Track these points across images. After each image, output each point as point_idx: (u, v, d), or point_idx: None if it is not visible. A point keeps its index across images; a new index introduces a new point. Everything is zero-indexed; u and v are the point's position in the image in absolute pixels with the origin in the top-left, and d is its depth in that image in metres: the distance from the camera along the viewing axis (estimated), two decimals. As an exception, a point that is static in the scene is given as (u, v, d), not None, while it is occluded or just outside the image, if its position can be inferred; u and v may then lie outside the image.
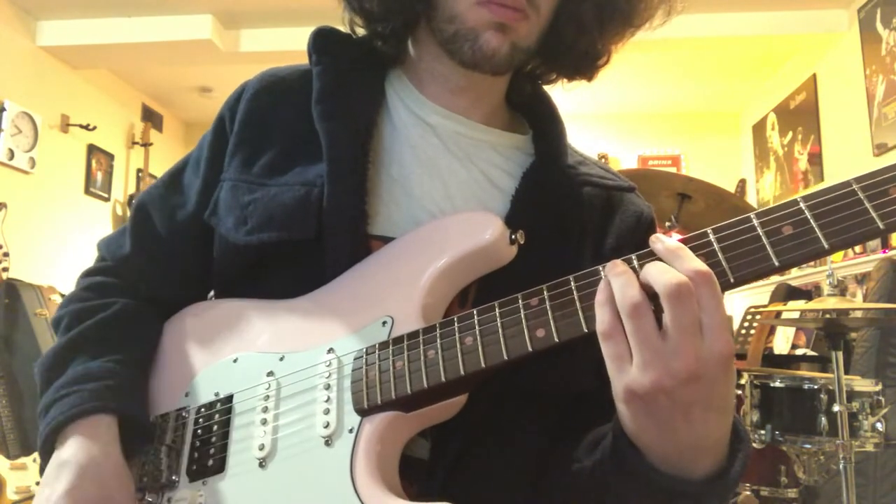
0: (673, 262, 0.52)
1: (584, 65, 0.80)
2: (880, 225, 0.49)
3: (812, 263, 4.06)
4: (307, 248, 0.70)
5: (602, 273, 0.55)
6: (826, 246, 0.51)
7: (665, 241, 0.53)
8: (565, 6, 0.74)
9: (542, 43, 0.75)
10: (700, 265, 0.51)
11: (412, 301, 0.65)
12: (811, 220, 0.51)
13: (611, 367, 0.53)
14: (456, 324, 0.60)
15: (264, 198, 0.72)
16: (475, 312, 0.60)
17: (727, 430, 0.56)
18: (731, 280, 0.52)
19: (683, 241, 0.54)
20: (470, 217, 0.68)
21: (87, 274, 0.85)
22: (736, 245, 0.53)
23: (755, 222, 0.53)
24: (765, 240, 0.52)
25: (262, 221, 0.71)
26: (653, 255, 0.54)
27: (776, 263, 0.52)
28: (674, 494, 0.56)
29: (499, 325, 0.58)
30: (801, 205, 0.52)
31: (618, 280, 0.52)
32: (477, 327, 0.59)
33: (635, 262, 0.55)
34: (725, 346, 0.50)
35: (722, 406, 0.53)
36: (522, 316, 0.58)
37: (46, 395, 0.73)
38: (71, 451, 0.67)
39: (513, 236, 0.67)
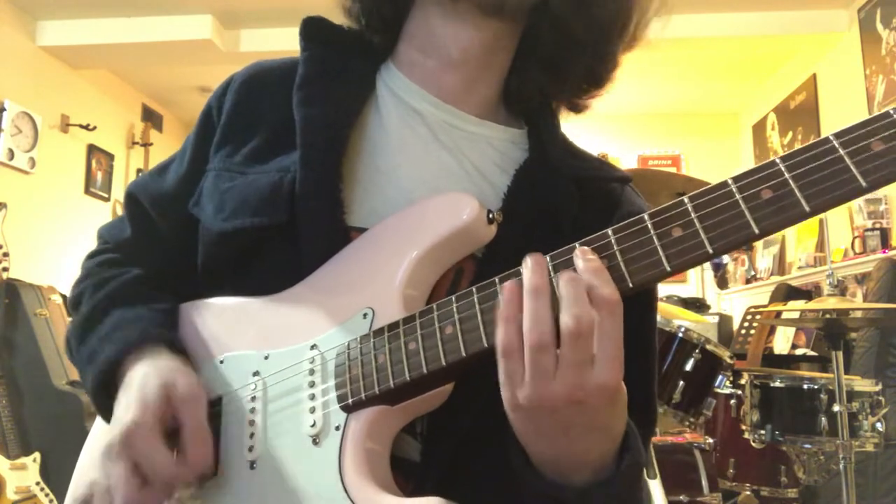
0: (591, 281, 0.51)
1: (593, 65, 0.77)
2: (863, 183, 0.46)
3: (812, 263, 4.06)
4: (284, 237, 0.69)
5: (533, 264, 0.54)
6: (808, 209, 0.48)
7: (588, 259, 0.53)
8: None
9: (545, 40, 0.74)
10: (611, 294, 0.51)
11: (392, 290, 0.63)
12: (791, 182, 0.48)
13: (503, 381, 0.53)
14: (435, 311, 0.59)
15: (242, 184, 0.72)
16: (454, 299, 0.59)
17: (611, 448, 0.57)
18: (710, 251, 0.50)
19: (658, 212, 0.53)
20: (445, 199, 0.66)
21: (92, 255, 0.86)
22: (713, 213, 0.50)
23: (732, 187, 0.50)
24: (743, 205, 0.50)
25: (237, 207, 0.71)
26: (605, 239, 0.53)
27: (756, 231, 0.49)
28: (550, 499, 0.58)
29: (477, 310, 0.57)
30: (780, 165, 0.49)
31: (533, 303, 0.52)
32: (456, 315, 0.58)
33: (575, 253, 0.54)
34: (612, 379, 0.51)
35: (604, 429, 0.55)
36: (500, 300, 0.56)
37: (85, 347, 0.73)
38: (142, 368, 0.67)
39: (490, 215, 0.65)
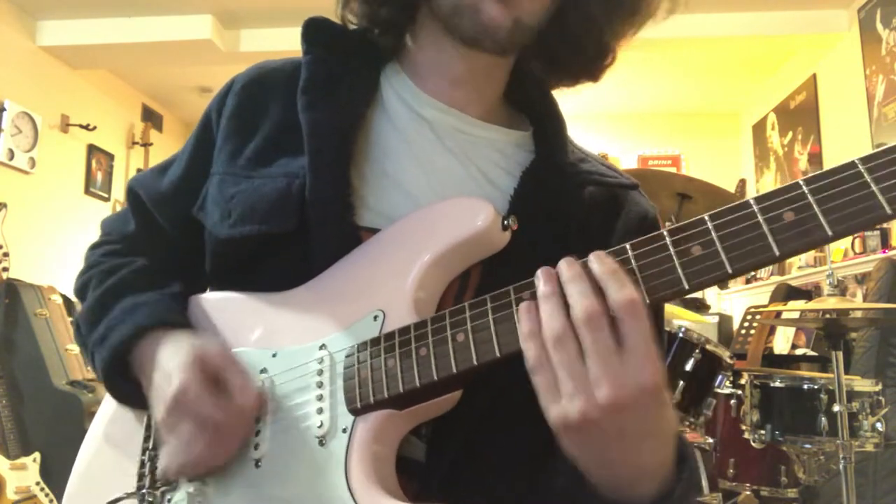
0: (606, 284, 0.51)
1: (589, 63, 0.80)
2: (888, 209, 0.46)
3: (812, 263, 4.06)
4: (294, 240, 0.69)
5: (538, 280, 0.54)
6: (830, 233, 0.47)
7: (603, 262, 0.52)
8: None
9: (547, 38, 0.74)
10: (627, 294, 0.50)
11: (404, 293, 0.63)
12: (814, 206, 0.48)
13: (543, 399, 0.52)
14: (447, 319, 0.59)
15: (248, 190, 0.72)
16: (467, 307, 0.58)
17: (668, 454, 0.55)
18: (730, 271, 0.50)
19: (678, 229, 0.52)
20: (460, 203, 0.66)
21: (95, 246, 0.87)
22: (734, 234, 0.50)
23: (755, 208, 0.49)
24: (765, 227, 0.49)
25: (244, 214, 0.71)
26: (623, 254, 0.53)
27: (777, 253, 0.48)
28: None
29: (490, 320, 0.56)
30: (804, 188, 0.48)
31: (545, 307, 0.52)
32: (468, 323, 0.57)
33: (592, 261, 0.53)
34: (650, 376, 0.49)
35: (657, 433, 0.53)
36: (514, 311, 0.55)
37: (96, 331, 0.74)
38: (168, 347, 0.68)
39: (505, 221, 0.65)
